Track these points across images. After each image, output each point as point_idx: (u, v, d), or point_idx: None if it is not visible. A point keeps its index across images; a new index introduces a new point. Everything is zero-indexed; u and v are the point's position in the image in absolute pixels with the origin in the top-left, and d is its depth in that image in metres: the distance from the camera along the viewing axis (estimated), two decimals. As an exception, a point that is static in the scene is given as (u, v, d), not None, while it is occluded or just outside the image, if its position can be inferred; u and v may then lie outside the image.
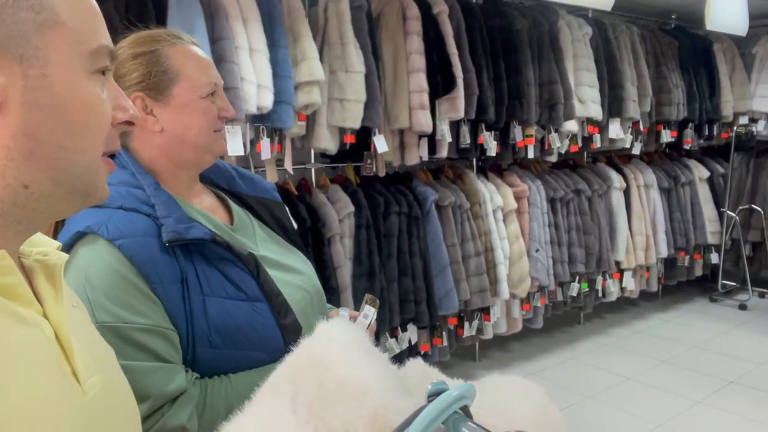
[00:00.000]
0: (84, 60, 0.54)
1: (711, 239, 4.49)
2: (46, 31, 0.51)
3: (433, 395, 0.49)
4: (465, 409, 0.49)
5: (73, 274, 0.88)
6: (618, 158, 4.22)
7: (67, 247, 0.89)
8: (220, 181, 1.14)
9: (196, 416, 0.89)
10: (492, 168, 3.60)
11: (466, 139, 3.09)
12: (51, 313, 0.54)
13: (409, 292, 2.90)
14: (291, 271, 1.07)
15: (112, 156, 1.01)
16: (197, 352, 0.91)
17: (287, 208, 1.23)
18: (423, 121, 2.82)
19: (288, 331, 0.97)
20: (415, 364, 0.64)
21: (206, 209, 1.04)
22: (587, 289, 3.78)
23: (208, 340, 0.91)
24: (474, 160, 3.42)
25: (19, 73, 0.50)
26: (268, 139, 2.47)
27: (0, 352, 0.47)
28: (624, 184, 3.98)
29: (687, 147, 4.41)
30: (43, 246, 0.60)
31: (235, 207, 1.11)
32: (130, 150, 1.01)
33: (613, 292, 3.97)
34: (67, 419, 0.50)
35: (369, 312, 1.12)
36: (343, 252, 2.73)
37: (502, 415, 0.47)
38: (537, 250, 3.42)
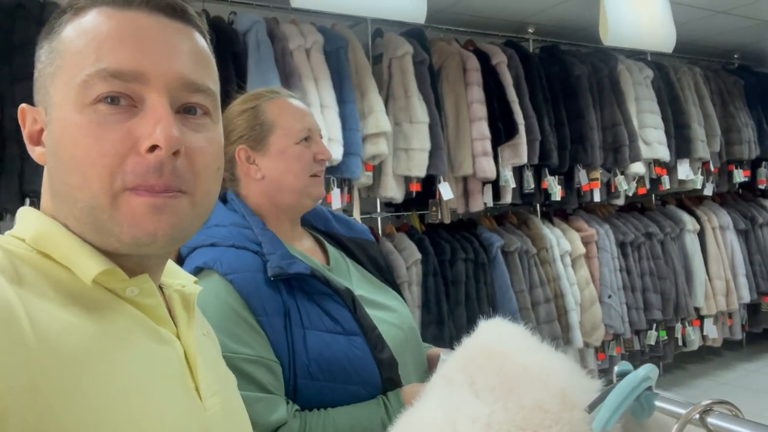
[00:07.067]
0: (74, 94, 0.52)
1: (797, 283, 4.20)
2: (56, 78, 0.53)
3: (620, 375, 0.52)
4: (649, 390, 0.52)
5: None
6: (689, 200, 4.08)
7: None
8: (318, 223, 1.19)
9: None
10: (557, 213, 3.55)
11: (529, 185, 3.09)
12: (182, 335, 0.60)
13: (479, 340, 2.84)
14: (385, 309, 1.09)
15: (224, 200, 1.08)
16: (299, 384, 0.94)
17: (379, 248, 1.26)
18: (486, 167, 2.86)
19: (384, 366, 0.98)
20: None
21: (306, 251, 1.10)
22: (666, 338, 3.59)
23: (308, 372, 0.94)
24: (538, 205, 3.39)
25: (45, 122, 0.54)
26: (338, 190, 2.55)
27: (141, 366, 0.52)
28: (697, 227, 3.83)
29: (762, 187, 4.23)
30: (182, 279, 0.67)
31: (331, 249, 1.15)
32: (240, 196, 1.09)
33: (694, 341, 3.75)
34: (188, 430, 0.54)
35: None
36: (411, 299, 2.74)
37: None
38: (609, 296, 3.31)
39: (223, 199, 1.09)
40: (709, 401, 0.45)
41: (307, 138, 1.08)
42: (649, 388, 0.53)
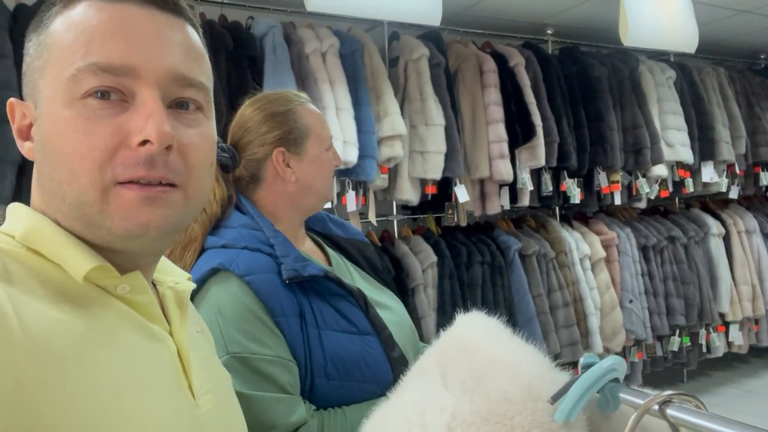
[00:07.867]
0: (63, 89, 0.51)
1: (829, 289, 4.07)
2: (44, 72, 0.52)
3: (585, 367, 0.52)
4: (615, 382, 0.53)
5: (206, 308, 0.95)
6: (714, 203, 3.99)
7: (201, 282, 0.97)
8: (315, 225, 1.21)
9: None
10: (576, 216, 3.51)
11: (548, 187, 3.06)
12: (175, 332, 0.60)
13: (496, 343, 2.82)
14: (386, 309, 1.10)
15: (237, 206, 1.07)
16: (315, 383, 0.96)
17: (375, 249, 1.27)
18: (503, 170, 2.84)
19: (396, 364, 0.99)
20: None
21: (308, 252, 1.11)
22: (689, 344, 3.51)
23: (324, 371, 0.96)
24: (557, 208, 3.36)
25: (34, 117, 0.54)
26: (354, 192, 2.56)
27: (132, 364, 0.52)
28: (723, 231, 3.74)
29: (791, 190, 4.11)
30: (175, 276, 0.67)
31: (330, 250, 1.17)
32: (252, 198, 1.09)
33: (719, 347, 3.66)
34: (180, 427, 0.54)
35: None
36: (427, 302, 2.73)
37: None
38: (631, 301, 3.25)
39: (229, 200, 1.09)
40: (670, 392, 0.44)
41: (330, 145, 1.12)
42: (616, 381, 0.52)
